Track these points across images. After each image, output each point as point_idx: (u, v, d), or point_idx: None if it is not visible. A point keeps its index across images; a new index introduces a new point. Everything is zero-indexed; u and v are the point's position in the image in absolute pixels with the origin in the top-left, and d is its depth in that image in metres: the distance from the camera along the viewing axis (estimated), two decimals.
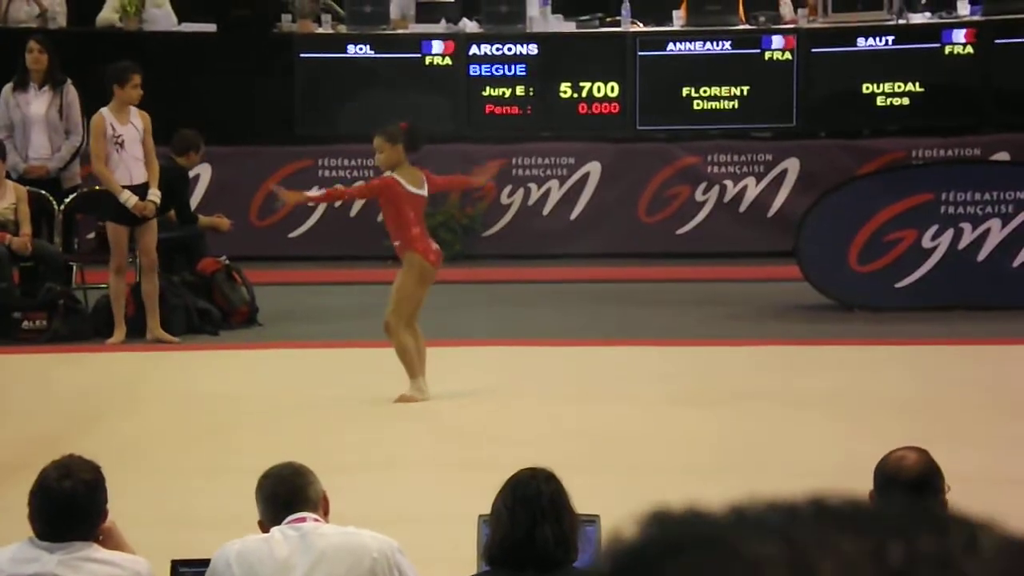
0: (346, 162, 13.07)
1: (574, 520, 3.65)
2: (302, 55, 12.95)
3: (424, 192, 8.20)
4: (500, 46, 13.10)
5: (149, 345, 9.63)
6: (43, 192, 10.55)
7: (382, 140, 8.23)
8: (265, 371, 8.97)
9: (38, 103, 10.76)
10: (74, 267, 10.66)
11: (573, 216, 13.20)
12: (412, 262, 8.07)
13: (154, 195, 9.83)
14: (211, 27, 12.98)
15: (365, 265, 12.70)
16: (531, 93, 13.17)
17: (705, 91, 13.13)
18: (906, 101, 13.04)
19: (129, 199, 9.69)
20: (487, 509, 3.70)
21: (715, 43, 13.10)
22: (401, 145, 8.09)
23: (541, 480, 3.66)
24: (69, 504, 3.75)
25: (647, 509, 0.93)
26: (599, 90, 13.17)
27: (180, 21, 13.07)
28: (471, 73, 13.10)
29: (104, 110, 9.71)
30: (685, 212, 13.14)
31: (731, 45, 13.13)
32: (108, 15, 13.04)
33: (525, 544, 3.56)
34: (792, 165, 13.08)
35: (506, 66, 13.15)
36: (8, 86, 10.78)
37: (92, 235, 11.08)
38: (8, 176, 10.43)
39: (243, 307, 10.59)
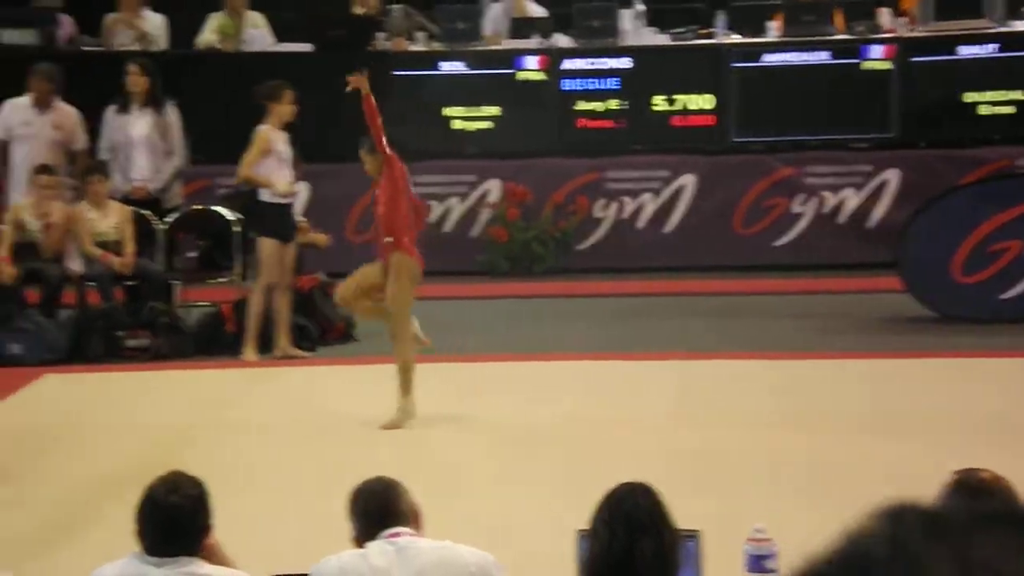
0: (439, 178, 13.15)
1: (674, 535, 3.64)
2: (396, 72, 13.05)
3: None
4: (593, 60, 13.12)
5: (261, 361, 9.71)
6: (145, 212, 10.71)
7: (365, 152, 8.25)
8: (362, 386, 9.03)
9: (140, 125, 10.93)
10: (176, 285, 10.82)
11: (668, 229, 13.16)
12: (404, 265, 7.96)
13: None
14: (308, 47, 13.11)
15: (460, 280, 12.77)
16: (624, 106, 13.16)
17: (802, 102, 13.05)
18: (1010, 110, 12.86)
19: (287, 189, 9.85)
20: (585, 524, 3.70)
21: (812, 53, 13.02)
22: (382, 155, 8.08)
23: (639, 494, 3.65)
24: (175, 519, 3.80)
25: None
26: (693, 102, 13.13)
27: (277, 41, 13.22)
28: (564, 87, 13.13)
29: (267, 127, 9.85)
30: (782, 224, 13.06)
31: (829, 55, 13.04)
32: (207, 37, 13.22)
33: (624, 559, 3.55)
34: (892, 176, 12.96)
35: (599, 80, 13.15)
36: (111, 108, 10.97)
37: (193, 254, 11.24)
38: (111, 197, 10.62)
39: (340, 323, 10.69)
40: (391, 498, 3.98)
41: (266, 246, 9.84)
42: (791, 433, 7.65)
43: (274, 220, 9.88)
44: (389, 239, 7.98)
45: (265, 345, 9.93)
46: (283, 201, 9.89)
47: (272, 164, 9.82)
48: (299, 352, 9.92)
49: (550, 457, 7.26)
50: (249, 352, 9.82)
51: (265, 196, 9.90)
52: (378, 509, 3.96)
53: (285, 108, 9.93)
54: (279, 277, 9.88)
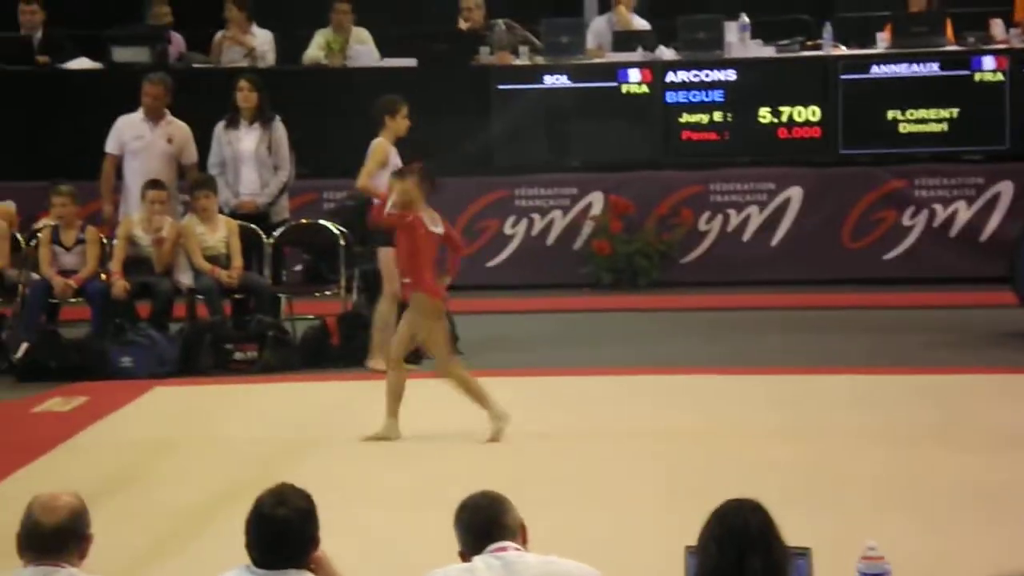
0: (543, 191, 13.17)
1: (784, 552, 3.60)
2: (500, 86, 13.09)
3: (440, 230, 8.09)
4: (697, 72, 13.07)
5: (369, 374, 9.77)
6: (252, 226, 10.84)
7: (393, 179, 8.22)
8: (465, 399, 9.04)
9: (248, 140, 11.06)
10: (283, 299, 10.92)
11: (774, 242, 13.07)
12: (421, 304, 7.92)
13: None
14: (412, 62, 13.20)
15: (563, 292, 12.77)
16: (729, 119, 13.10)
17: (912, 114, 12.90)
18: None
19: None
20: (693, 540, 3.67)
21: (922, 65, 12.88)
22: (413, 185, 7.99)
23: (748, 511, 3.61)
24: (284, 532, 3.82)
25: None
26: (800, 114, 13.03)
27: (382, 57, 13.32)
28: (668, 100, 13.09)
29: (383, 140, 9.98)
30: (892, 237, 12.92)
31: (939, 66, 12.89)
32: (314, 53, 13.36)
33: None
34: (1005, 188, 12.77)
35: (704, 92, 13.10)
36: (221, 124, 11.11)
37: (299, 267, 11.35)
38: (220, 211, 10.75)
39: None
40: (497, 512, 3.98)
41: (387, 255, 9.90)
42: (898, 449, 7.54)
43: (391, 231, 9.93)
44: (407, 280, 8.02)
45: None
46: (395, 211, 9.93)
47: (388, 177, 9.88)
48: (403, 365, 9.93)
49: (653, 471, 7.22)
50: (379, 362, 9.89)
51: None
52: (484, 523, 3.96)
53: (401, 122, 10.02)
54: (399, 285, 9.93)
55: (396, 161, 10.04)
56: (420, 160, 8.81)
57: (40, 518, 3.78)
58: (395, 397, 7.96)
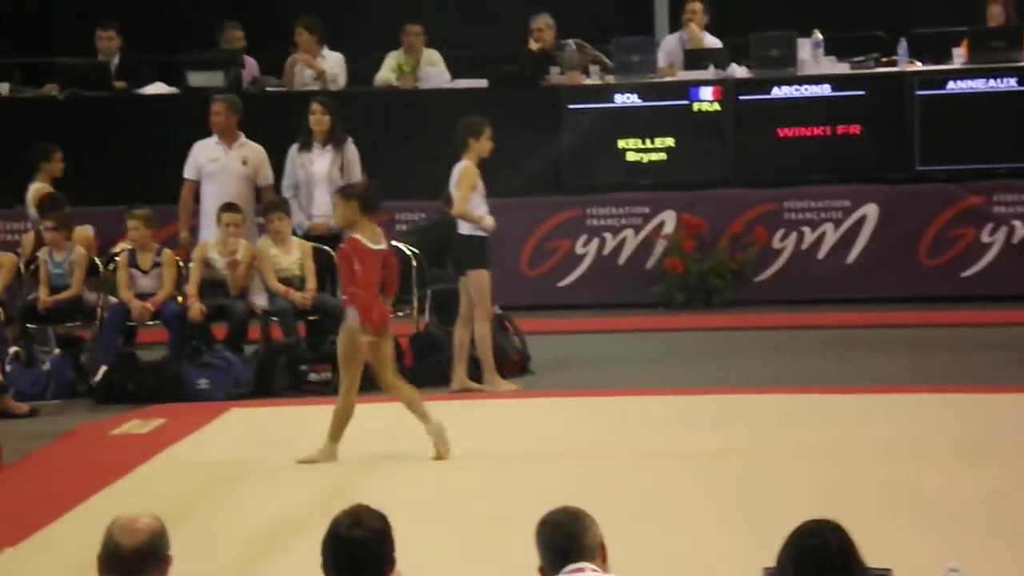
0: (613, 210, 13.15)
1: (864, 573, 3.56)
2: (570, 106, 13.10)
3: (382, 247, 8.06)
4: (770, 90, 13.01)
5: (450, 395, 9.80)
6: (326, 247, 10.89)
7: (337, 197, 8.22)
8: (538, 419, 9.05)
9: (321, 162, 11.13)
10: None
11: (849, 260, 12.98)
12: (352, 322, 7.90)
13: None
14: (482, 83, 13.24)
15: (634, 312, 12.74)
16: (802, 136, 13.02)
17: (989, 129, 12.77)
18: None
19: (494, 225, 10.04)
20: (770, 562, 3.64)
21: (1000, 80, 12.75)
22: (356, 203, 7.98)
23: (828, 531, 3.58)
24: (360, 552, 3.83)
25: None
26: (873, 131, 12.94)
27: (453, 78, 13.37)
28: (740, 118, 13.04)
29: (470, 162, 9.96)
30: (970, 254, 12.78)
31: (1017, 81, 12.76)
32: (385, 75, 13.43)
33: None
34: None
35: (776, 110, 13.04)
36: (294, 147, 11.19)
37: None
38: (293, 233, 10.82)
39: (515, 356, 10.72)
40: (578, 531, 3.96)
41: (482, 276, 9.91)
42: (980, 469, 7.44)
43: (483, 251, 9.96)
44: (344, 297, 8.08)
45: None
46: (485, 233, 9.98)
47: (476, 199, 9.93)
48: (475, 385, 9.98)
49: (729, 490, 7.17)
50: (500, 383, 9.89)
51: (466, 229, 9.97)
52: (564, 542, 3.94)
53: (485, 144, 10.00)
54: (470, 309, 9.94)
55: (480, 183, 10.04)
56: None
57: (120, 540, 3.81)
58: (416, 410, 8.01)
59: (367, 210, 8.04)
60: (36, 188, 11.27)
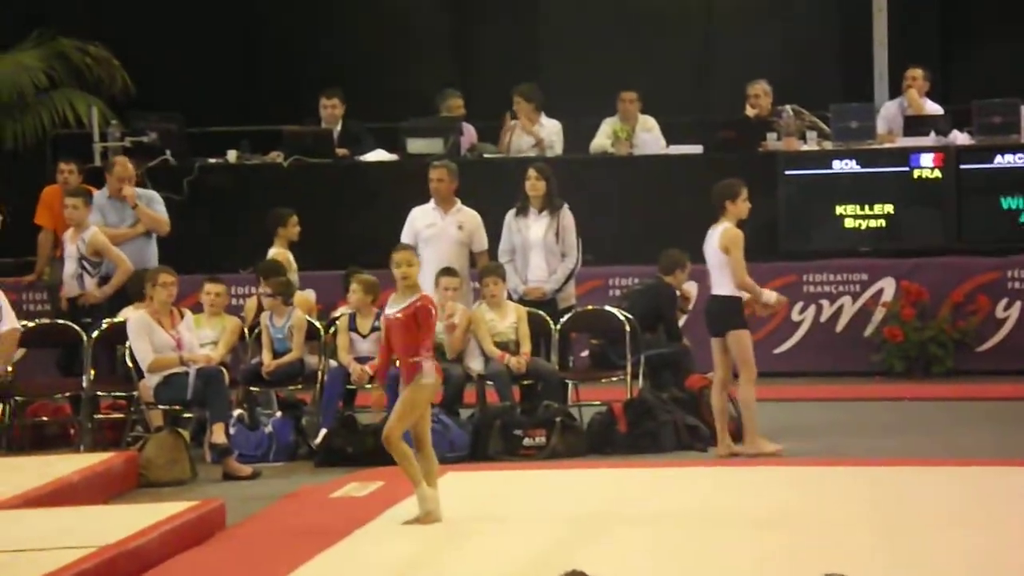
0: (831, 277, 13.01)
1: None
2: (787, 172, 13.02)
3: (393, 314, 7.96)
4: (993, 157, 12.76)
5: (648, 462, 9.78)
6: (541, 312, 11.00)
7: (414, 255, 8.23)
8: (754, 484, 8.96)
9: (537, 227, 11.26)
10: (570, 384, 11.02)
11: None
12: (425, 375, 7.96)
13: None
14: (698, 149, 13.25)
15: (854, 381, 12.54)
16: None
17: None
18: None
19: (770, 296, 10.05)
20: None
21: None
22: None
23: None
24: None
25: None
26: None
27: (668, 144, 13.41)
28: (962, 185, 12.80)
29: (732, 226, 9.97)
30: None
31: None
32: (601, 141, 13.54)
33: None
34: None
35: (999, 176, 12.78)
36: (511, 212, 11.35)
37: (586, 353, 11.45)
38: (508, 297, 10.95)
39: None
40: None
41: (743, 337, 9.88)
42: None
43: (741, 312, 9.92)
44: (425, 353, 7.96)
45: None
46: (744, 296, 9.94)
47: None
48: (739, 448, 9.90)
49: (947, 565, 6.97)
50: (764, 445, 9.89)
51: (724, 290, 9.91)
52: None
53: (743, 206, 9.98)
54: (726, 372, 9.92)
55: None
56: None
57: None
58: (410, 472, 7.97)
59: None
60: (274, 253, 11.62)
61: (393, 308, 8.00)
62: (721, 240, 9.86)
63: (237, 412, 10.44)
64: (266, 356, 10.80)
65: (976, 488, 8.64)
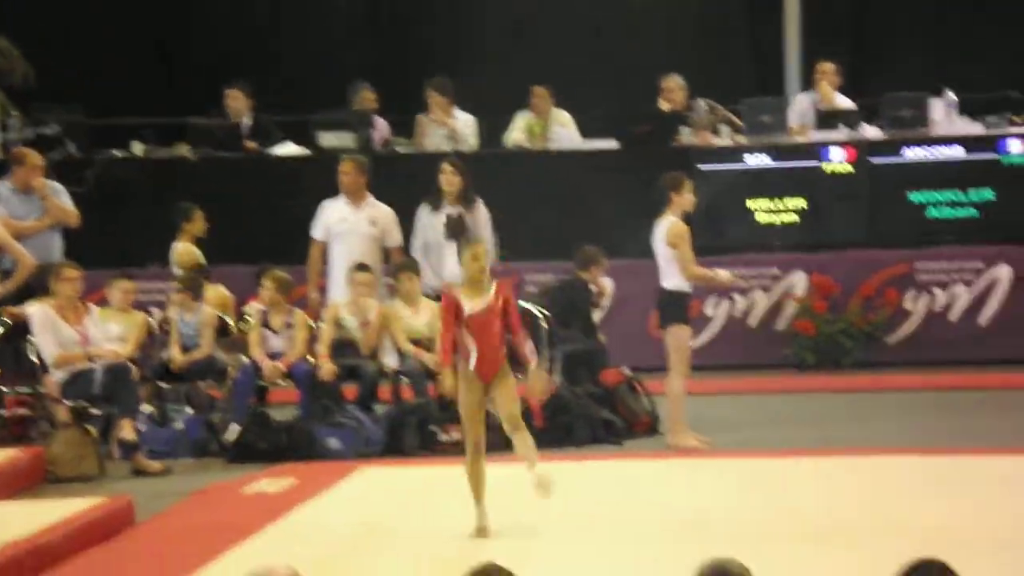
0: (743, 271, 13.02)
1: None
2: (700, 166, 13.06)
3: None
4: (902, 150, 12.88)
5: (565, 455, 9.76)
6: None
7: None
8: (668, 480, 8.97)
9: None
10: None
11: (982, 321, 12.76)
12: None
13: None
14: (613, 144, 13.25)
15: (765, 373, 12.62)
16: (935, 197, 12.87)
17: None
18: None
19: (725, 276, 10.13)
20: None
21: None
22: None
23: (935, 571, 3.54)
24: None
25: None
26: (1008, 192, 12.75)
27: (583, 139, 13.40)
28: (872, 178, 12.91)
29: (676, 219, 9.97)
30: None
31: None
32: (515, 135, 13.50)
33: None
34: None
35: (909, 170, 12.91)
36: (424, 207, 11.27)
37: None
38: (424, 294, 10.87)
39: (645, 417, 10.67)
40: None
41: (683, 332, 9.88)
42: None
43: (685, 308, 9.95)
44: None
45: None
46: (690, 290, 9.94)
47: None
48: (694, 441, 9.90)
49: (857, 556, 7.01)
50: (688, 438, 9.86)
51: (671, 284, 9.93)
52: None
53: (687, 198, 9.99)
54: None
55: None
56: None
57: None
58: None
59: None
60: (180, 248, 11.46)
61: (473, 303, 7.60)
62: (667, 236, 9.90)
63: (147, 408, 10.30)
64: (174, 351, 10.67)
65: (886, 477, 8.71)
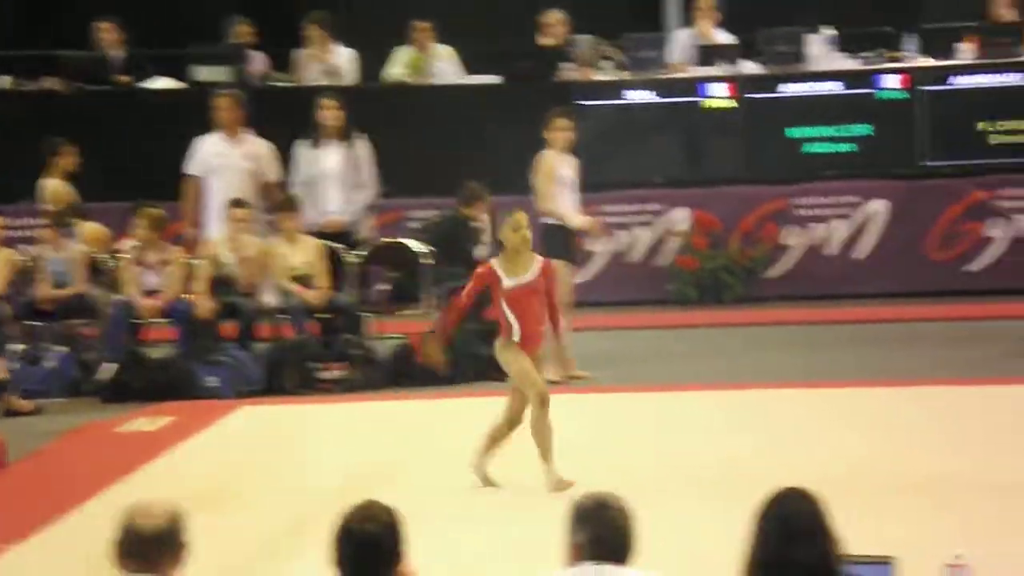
0: (626, 207, 13.10)
1: (833, 544, 3.53)
2: (582, 102, 13.04)
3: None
4: (780, 86, 12.97)
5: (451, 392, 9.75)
6: (337, 245, 10.83)
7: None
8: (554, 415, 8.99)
9: (332, 158, 11.06)
10: (367, 318, 10.91)
11: (859, 255, 12.94)
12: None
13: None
14: (495, 79, 13.18)
15: (649, 309, 12.71)
16: (811, 133, 13.00)
17: (1001, 125, 12.73)
18: None
19: (584, 222, 10.16)
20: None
21: (1005, 75, 12.72)
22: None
23: (799, 499, 3.58)
24: (371, 547, 3.79)
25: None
26: (882, 127, 12.92)
27: (466, 74, 13.31)
28: (751, 114, 12.99)
29: (549, 152, 9.93)
30: (976, 249, 12.75)
31: (1022, 77, 12.75)
32: (396, 71, 13.37)
33: (777, 563, 3.48)
34: None
35: (786, 106, 13.00)
36: (303, 143, 11.12)
37: (384, 286, 11.33)
38: (303, 230, 10.75)
39: None
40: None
41: (564, 268, 9.82)
42: (987, 458, 7.39)
43: (565, 243, 9.93)
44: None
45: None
46: (568, 224, 9.92)
47: (560, 191, 9.89)
48: (583, 374, 9.90)
49: (750, 491, 7.07)
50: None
51: (551, 219, 9.93)
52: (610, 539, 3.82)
53: (556, 134, 10.04)
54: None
55: (564, 173, 10.09)
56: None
57: (139, 523, 3.77)
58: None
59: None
60: (50, 184, 11.22)
61: (517, 278, 7.22)
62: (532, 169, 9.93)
63: (18, 347, 10.10)
64: (42, 288, 10.46)
65: (767, 410, 8.82)
